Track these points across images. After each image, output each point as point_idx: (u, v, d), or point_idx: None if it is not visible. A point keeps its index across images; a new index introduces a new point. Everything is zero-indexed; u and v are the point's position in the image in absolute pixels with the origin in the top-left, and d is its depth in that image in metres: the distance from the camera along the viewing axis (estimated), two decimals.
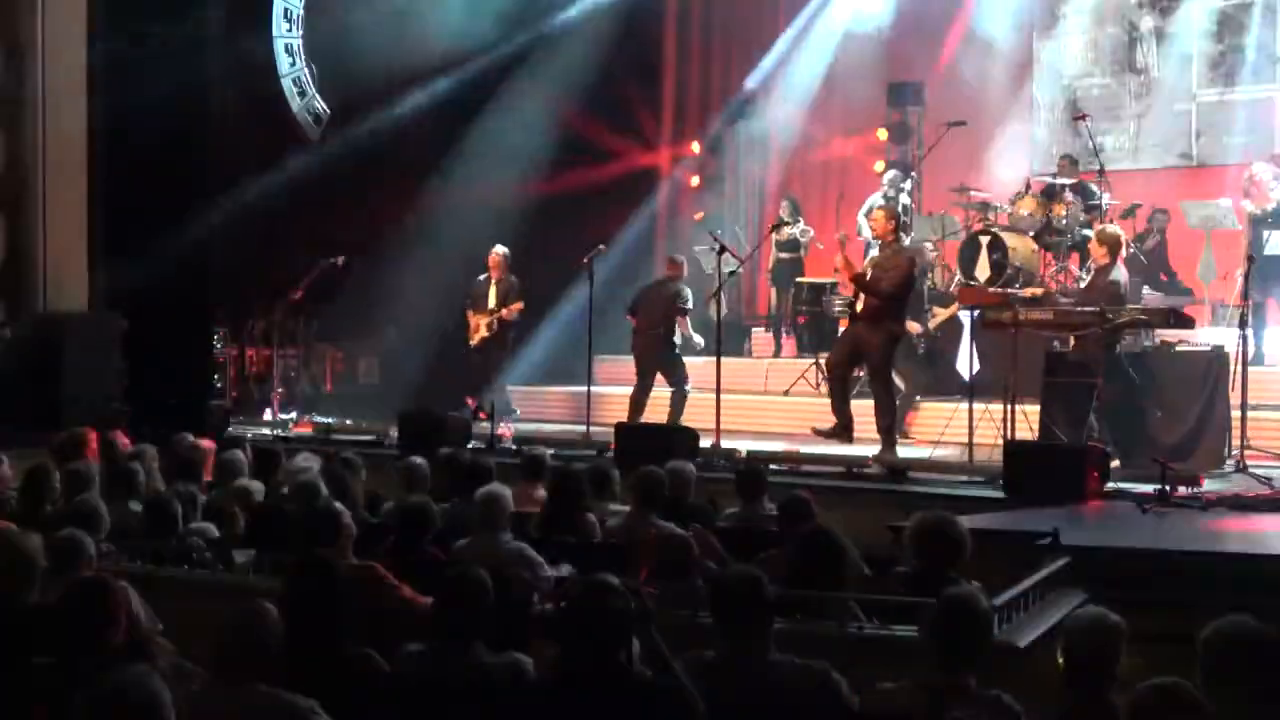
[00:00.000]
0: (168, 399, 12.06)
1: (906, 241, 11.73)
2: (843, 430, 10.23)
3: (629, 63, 16.29)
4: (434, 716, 4.18)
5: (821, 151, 16.52)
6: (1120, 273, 9.98)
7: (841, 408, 10.31)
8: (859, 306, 10.29)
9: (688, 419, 11.45)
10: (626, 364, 14.56)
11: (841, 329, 11.61)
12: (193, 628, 4.61)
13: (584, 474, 7.11)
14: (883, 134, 15.53)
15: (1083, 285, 10.84)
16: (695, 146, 16.93)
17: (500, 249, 12.66)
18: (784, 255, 14.42)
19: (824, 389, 12.42)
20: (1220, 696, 3.60)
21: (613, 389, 13.49)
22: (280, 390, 13.92)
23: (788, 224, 14.30)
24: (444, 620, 4.36)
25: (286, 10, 15.02)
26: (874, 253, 10.52)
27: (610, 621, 3.90)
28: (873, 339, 10.13)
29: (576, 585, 4.15)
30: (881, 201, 13.07)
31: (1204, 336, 10.82)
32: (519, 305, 12.43)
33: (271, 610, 4.03)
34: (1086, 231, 11.98)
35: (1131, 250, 12.78)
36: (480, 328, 12.40)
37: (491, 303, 12.47)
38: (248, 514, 6.82)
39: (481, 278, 12.67)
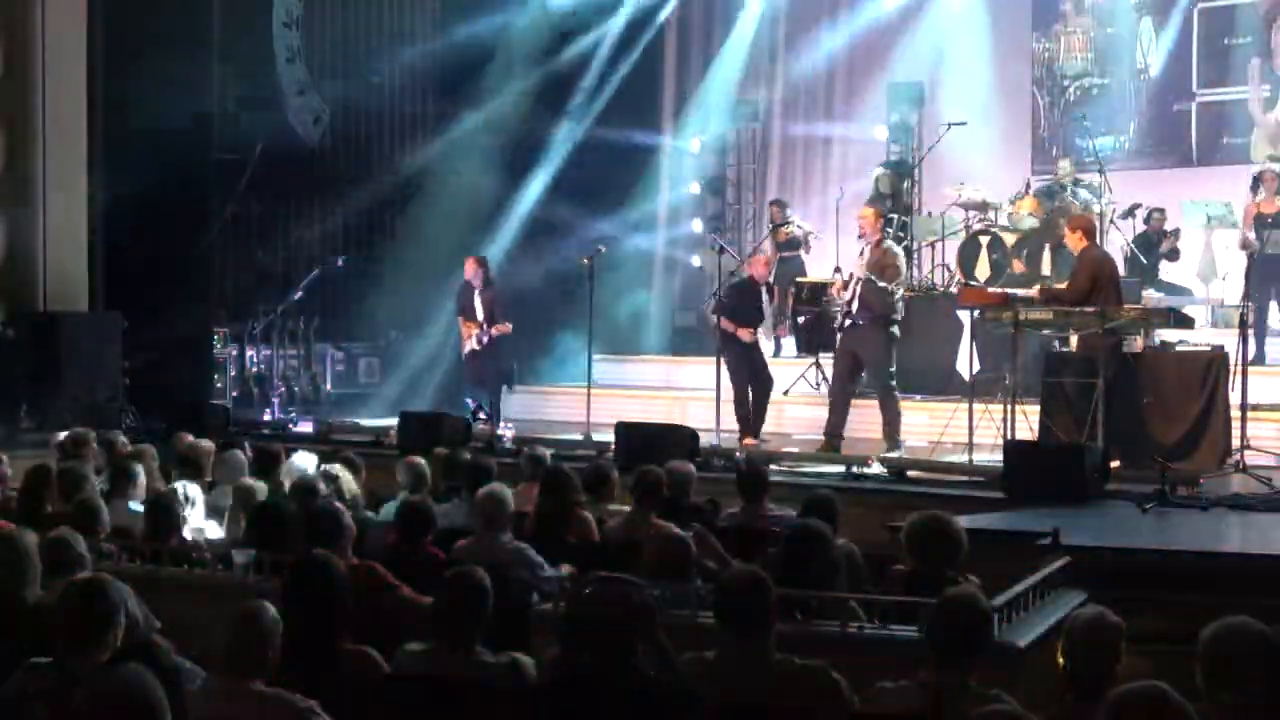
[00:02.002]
0: (168, 399, 12.07)
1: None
2: (831, 445, 10.25)
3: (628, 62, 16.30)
4: (434, 716, 4.18)
5: (821, 151, 16.52)
6: (1100, 250, 9.91)
7: (836, 421, 10.33)
8: (854, 307, 10.31)
9: (687, 419, 11.40)
10: (627, 364, 14.61)
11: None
12: (193, 628, 4.61)
13: (580, 473, 7.10)
14: (882, 133, 15.52)
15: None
16: (695, 145, 16.91)
17: (475, 257, 12.43)
18: (784, 254, 14.41)
19: (824, 389, 12.43)
20: (1220, 696, 3.60)
21: (613, 389, 13.49)
22: (280, 390, 13.93)
23: (784, 225, 14.30)
24: (444, 620, 4.36)
25: (287, 11, 15.01)
26: (865, 252, 10.50)
27: (623, 620, 3.91)
28: (872, 341, 10.18)
29: (589, 583, 4.15)
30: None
31: (1204, 337, 10.80)
32: (507, 327, 12.14)
33: (270, 609, 4.02)
34: None
35: (1130, 250, 12.81)
36: (471, 339, 12.26)
37: (479, 314, 12.23)
38: (248, 514, 6.82)
39: (464, 285, 12.43)
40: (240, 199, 13.92)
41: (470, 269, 12.30)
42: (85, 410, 11.52)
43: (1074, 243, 9.79)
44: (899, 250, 10.74)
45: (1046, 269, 12.89)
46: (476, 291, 12.20)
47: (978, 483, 8.90)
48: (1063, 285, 10.26)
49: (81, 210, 12.98)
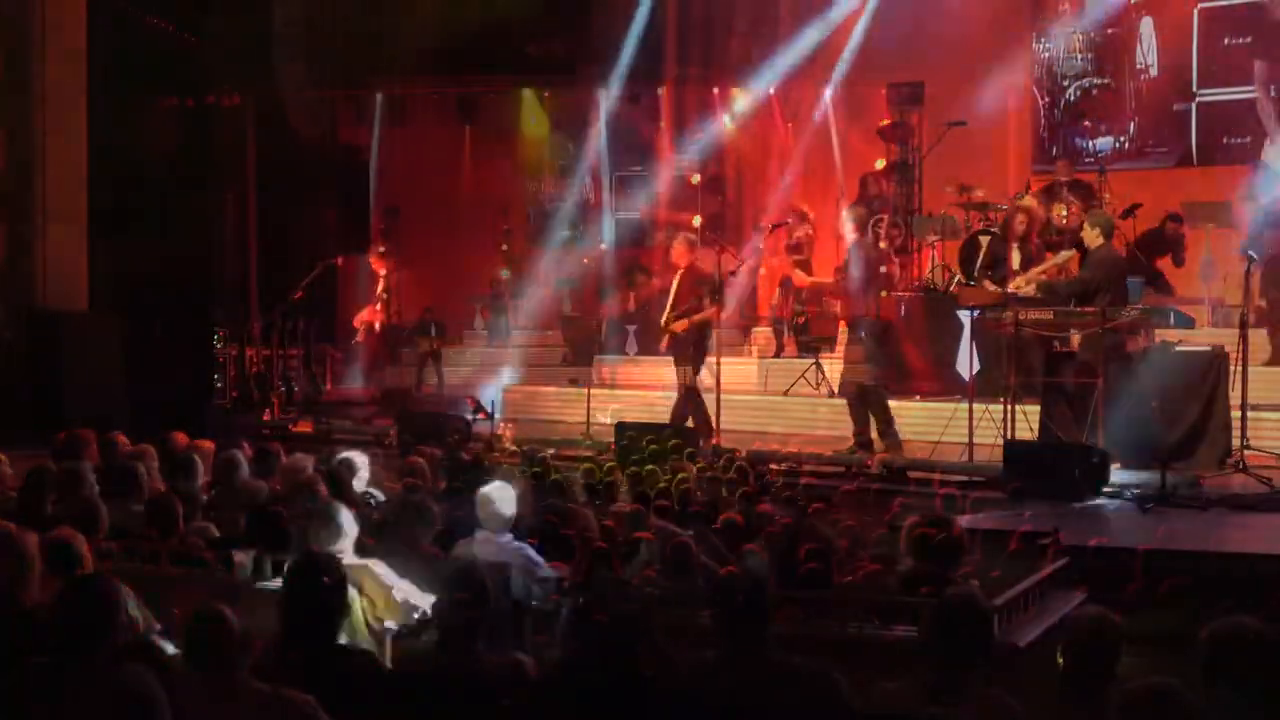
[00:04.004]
0: (168, 399, 12.06)
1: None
2: (860, 448, 10.29)
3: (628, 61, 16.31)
4: (434, 716, 4.17)
5: (822, 151, 16.53)
6: (1114, 251, 9.91)
7: (861, 426, 10.42)
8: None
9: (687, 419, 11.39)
10: (627, 364, 14.60)
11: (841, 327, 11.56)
12: None
13: (585, 475, 7.11)
14: (883, 123, 15.52)
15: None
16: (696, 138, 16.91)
17: (380, 249, 12.63)
18: (793, 257, 14.41)
19: (824, 389, 12.43)
20: (1220, 696, 3.59)
21: (612, 389, 13.49)
22: (280, 390, 13.93)
23: (787, 224, 14.31)
24: (443, 620, 4.36)
25: (288, 8, 15.01)
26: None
27: (623, 619, 3.91)
28: (851, 347, 10.26)
29: (589, 583, 4.15)
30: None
31: (1204, 337, 10.80)
32: (369, 313, 12.47)
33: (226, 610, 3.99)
34: None
35: (1130, 247, 12.80)
36: (363, 325, 12.58)
37: (377, 302, 12.59)
38: (248, 514, 6.81)
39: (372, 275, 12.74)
40: (240, 198, 13.92)
41: (374, 258, 12.55)
42: (85, 410, 11.51)
43: (1091, 239, 9.79)
44: (870, 250, 10.65)
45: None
46: (380, 278, 12.47)
47: (978, 483, 8.91)
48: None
49: (81, 210, 12.98)
